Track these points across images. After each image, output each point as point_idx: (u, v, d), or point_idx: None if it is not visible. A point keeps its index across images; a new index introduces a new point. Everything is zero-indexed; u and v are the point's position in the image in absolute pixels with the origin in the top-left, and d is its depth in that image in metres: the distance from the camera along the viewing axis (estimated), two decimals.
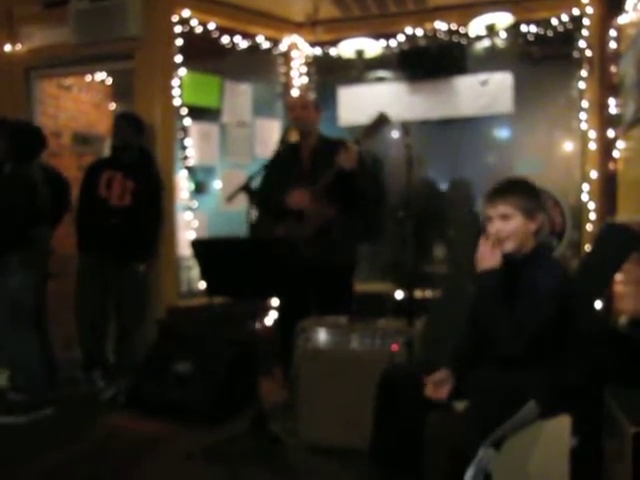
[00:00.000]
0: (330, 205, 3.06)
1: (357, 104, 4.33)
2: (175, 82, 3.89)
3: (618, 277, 3.24)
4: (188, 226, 3.96)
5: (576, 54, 3.91)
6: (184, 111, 3.94)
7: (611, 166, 3.66)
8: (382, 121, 2.99)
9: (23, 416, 3.07)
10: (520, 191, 1.89)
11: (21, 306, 3.12)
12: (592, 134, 3.84)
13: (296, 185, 3.10)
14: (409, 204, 2.83)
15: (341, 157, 2.90)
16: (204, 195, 4.10)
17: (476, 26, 4.02)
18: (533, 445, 1.66)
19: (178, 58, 3.91)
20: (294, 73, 4.48)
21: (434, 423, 1.83)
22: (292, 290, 2.81)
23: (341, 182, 2.98)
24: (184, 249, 3.91)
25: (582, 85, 3.88)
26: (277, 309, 3.65)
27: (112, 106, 5.06)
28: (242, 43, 4.21)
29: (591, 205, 3.83)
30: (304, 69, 4.49)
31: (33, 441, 2.86)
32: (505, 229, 1.86)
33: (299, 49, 4.47)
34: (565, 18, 3.91)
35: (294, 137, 3.33)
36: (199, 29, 4.00)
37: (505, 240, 1.87)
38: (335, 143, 3.18)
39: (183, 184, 3.96)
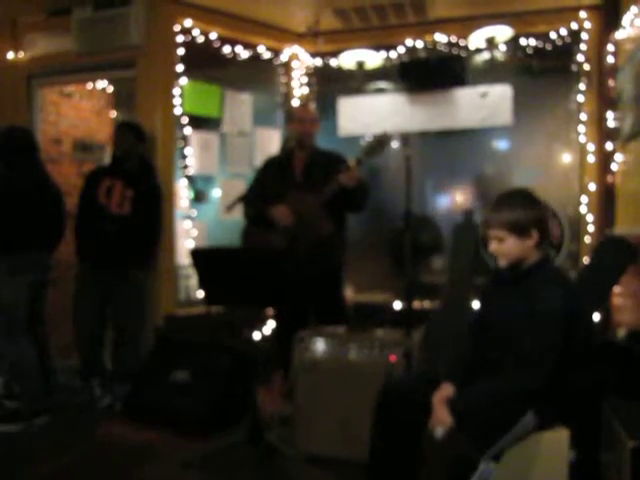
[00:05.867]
0: (329, 219, 3.09)
1: (357, 115, 4.36)
2: (176, 91, 3.91)
3: (616, 289, 3.24)
4: (187, 235, 3.96)
5: (574, 68, 3.94)
6: (185, 120, 3.95)
7: (609, 178, 3.69)
8: (385, 141, 3.00)
9: (18, 424, 3.05)
10: (511, 210, 1.87)
11: (12, 312, 3.11)
12: (590, 147, 3.87)
13: (287, 195, 3.12)
14: (408, 215, 2.83)
15: (344, 176, 2.98)
16: (203, 204, 4.11)
17: (476, 39, 4.05)
18: (532, 458, 1.66)
19: (179, 67, 3.93)
20: (295, 83, 4.50)
21: (433, 436, 1.83)
22: (290, 299, 2.81)
23: (339, 196, 3.03)
24: (183, 258, 3.91)
25: (580, 98, 3.91)
26: (275, 318, 3.65)
27: (113, 114, 5.07)
28: (243, 53, 4.23)
29: (589, 217, 3.85)
30: (305, 79, 4.51)
31: (28, 449, 2.84)
32: (500, 249, 1.91)
33: (300, 60, 4.49)
34: (564, 32, 3.95)
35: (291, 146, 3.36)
36: (201, 39, 4.03)
37: (501, 257, 1.93)
38: (329, 156, 3.22)
39: (183, 193, 3.97)
